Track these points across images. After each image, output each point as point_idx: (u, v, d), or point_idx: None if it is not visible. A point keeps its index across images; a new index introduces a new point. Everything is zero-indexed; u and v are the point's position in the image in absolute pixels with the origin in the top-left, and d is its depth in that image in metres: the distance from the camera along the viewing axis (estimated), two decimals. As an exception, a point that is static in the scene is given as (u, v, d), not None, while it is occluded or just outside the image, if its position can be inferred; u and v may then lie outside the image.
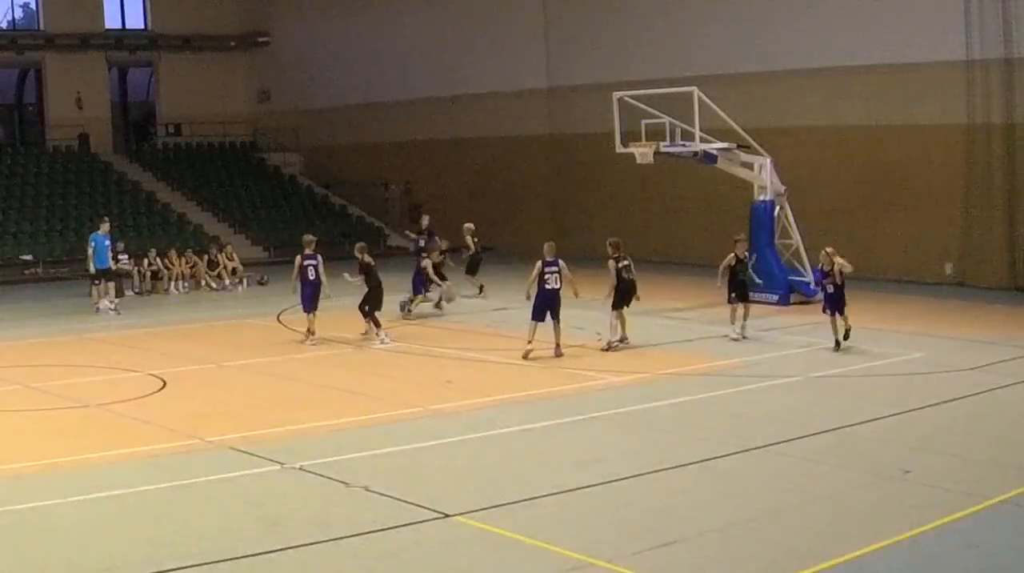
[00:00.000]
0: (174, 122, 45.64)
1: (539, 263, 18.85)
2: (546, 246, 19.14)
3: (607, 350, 19.18)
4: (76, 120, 42.25)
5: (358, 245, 21.45)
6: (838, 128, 29.51)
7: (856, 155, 29.27)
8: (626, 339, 19.43)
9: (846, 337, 18.71)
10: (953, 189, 27.46)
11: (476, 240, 27.46)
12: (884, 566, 9.30)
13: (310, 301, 20.41)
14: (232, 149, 45.39)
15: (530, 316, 18.77)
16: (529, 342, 18.52)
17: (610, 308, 19.36)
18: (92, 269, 25.40)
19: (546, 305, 18.73)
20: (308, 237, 20.87)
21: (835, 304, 18.83)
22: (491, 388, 16.67)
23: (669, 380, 17.01)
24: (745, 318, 20.14)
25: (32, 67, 44.76)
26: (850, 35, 28.84)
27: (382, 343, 20.06)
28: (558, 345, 18.68)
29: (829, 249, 19.19)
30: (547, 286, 18.71)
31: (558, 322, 18.76)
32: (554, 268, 18.78)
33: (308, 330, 20.45)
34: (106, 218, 27.00)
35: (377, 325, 20.43)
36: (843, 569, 9.17)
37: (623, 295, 19.43)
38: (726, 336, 20.02)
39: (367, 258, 21.01)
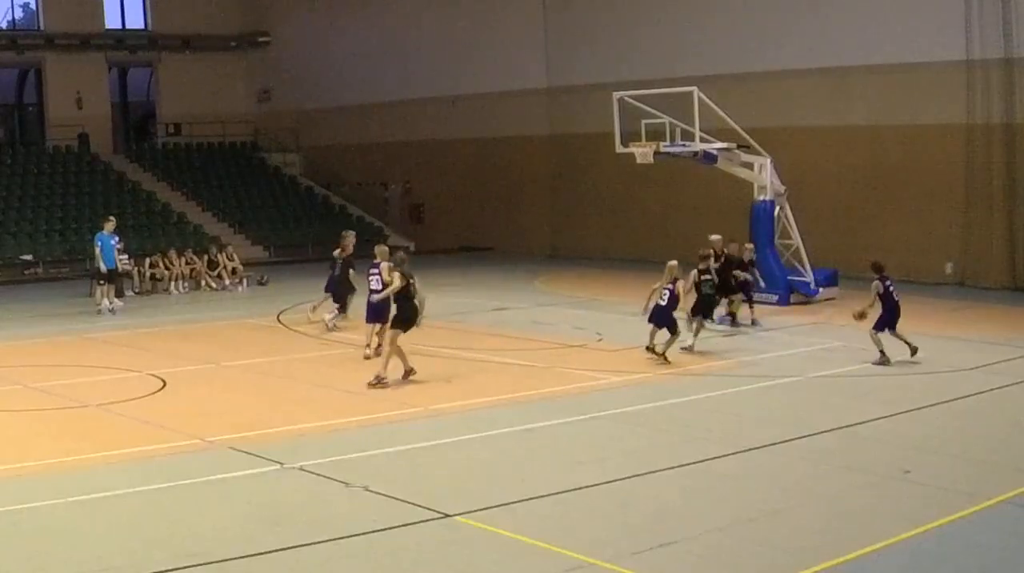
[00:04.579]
0: (174, 122, 45.65)
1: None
2: (376, 248, 18.85)
3: (377, 385, 16.34)
4: (76, 120, 42.23)
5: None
6: (838, 128, 29.52)
7: (856, 155, 29.27)
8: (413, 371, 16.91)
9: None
10: (953, 189, 27.47)
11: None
12: (884, 566, 9.30)
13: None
14: (232, 149, 45.39)
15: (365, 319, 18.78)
16: (367, 345, 18.46)
17: (398, 332, 16.73)
18: (103, 268, 25.11)
19: (371, 307, 18.33)
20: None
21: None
22: (491, 388, 16.66)
23: (669, 380, 17.00)
24: None
25: (32, 67, 44.77)
26: (850, 35, 28.86)
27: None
28: (379, 345, 17.94)
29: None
30: (370, 287, 18.41)
31: (384, 325, 17.75)
32: (375, 270, 18.23)
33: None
34: (111, 217, 26.93)
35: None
36: (843, 569, 9.17)
37: (412, 318, 17.02)
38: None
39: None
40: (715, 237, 21.85)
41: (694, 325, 19.21)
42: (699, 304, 19.34)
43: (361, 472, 11.98)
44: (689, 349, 18.77)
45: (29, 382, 17.30)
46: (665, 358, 17.93)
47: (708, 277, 19.59)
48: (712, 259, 20.23)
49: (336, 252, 22.39)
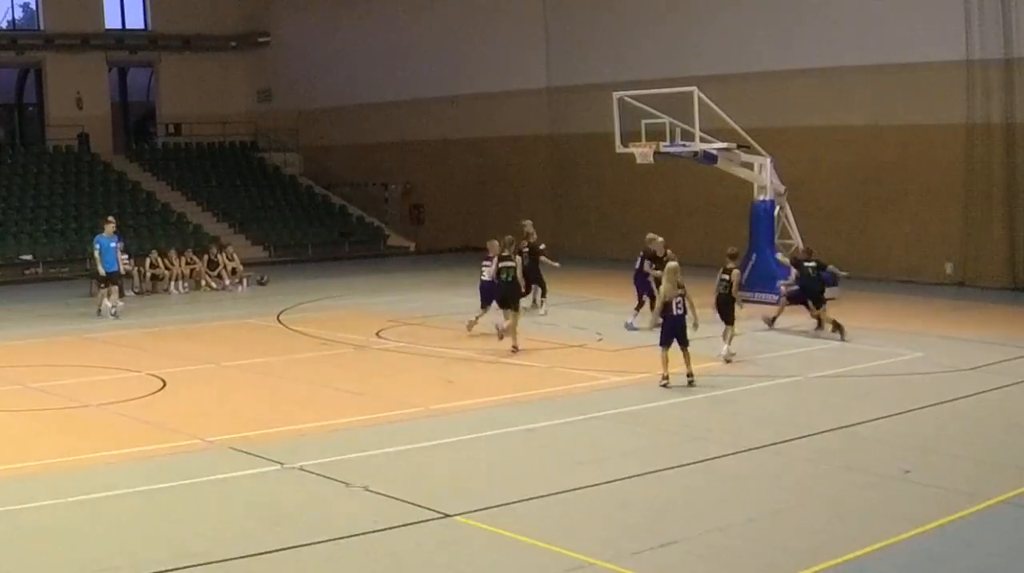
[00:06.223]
0: (174, 122, 45.70)
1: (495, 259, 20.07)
2: (489, 243, 20.51)
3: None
4: (76, 120, 42.29)
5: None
6: (838, 128, 29.52)
7: (856, 155, 29.27)
8: None
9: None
10: (953, 189, 27.47)
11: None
12: (884, 566, 9.30)
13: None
14: (232, 149, 45.43)
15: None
16: (474, 321, 20.63)
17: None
18: (102, 272, 24.59)
19: (482, 291, 20.55)
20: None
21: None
22: (491, 388, 16.66)
23: (669, 380, 16.97)
24: None
25: (32, 67, 44.80)
26: (850, 35, 28.86)
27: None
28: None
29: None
30: (482, 277, 20.57)
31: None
32: (488, 262, 20.29)
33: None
34: (111, 219, 26.82)
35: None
36: (843, 569, 9.16)
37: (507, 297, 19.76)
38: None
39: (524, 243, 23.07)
40: (654, 236, 21.66)
41: (728, 333, 18.08)
42: (720, 308, 18.33)
43: (361, 472, 11.98)
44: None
45: (29, 382, 17.31)
46: (692, 380, 16.08)
47: (726, 277, 18.50)
48: (736, 259, 19.58)
49: (523, 244, 22.85)
